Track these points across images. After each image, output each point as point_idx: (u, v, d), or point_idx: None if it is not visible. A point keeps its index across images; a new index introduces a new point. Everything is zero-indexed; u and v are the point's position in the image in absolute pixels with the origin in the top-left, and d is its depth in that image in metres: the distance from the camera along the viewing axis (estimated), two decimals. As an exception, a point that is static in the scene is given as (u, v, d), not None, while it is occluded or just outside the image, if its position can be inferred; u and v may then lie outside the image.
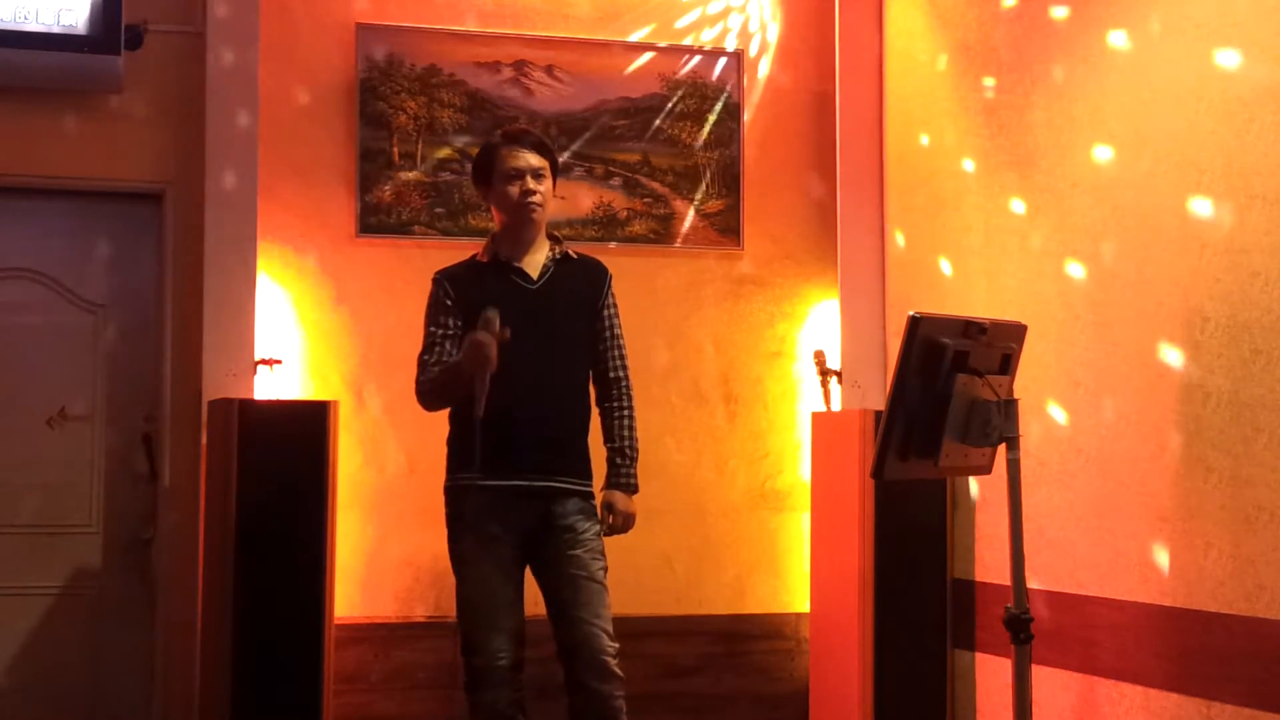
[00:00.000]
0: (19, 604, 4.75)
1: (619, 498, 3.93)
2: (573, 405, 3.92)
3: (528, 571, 3.90)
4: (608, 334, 4.00)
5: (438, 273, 3.98)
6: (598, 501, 3.94)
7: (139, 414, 4.85)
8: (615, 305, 4.03)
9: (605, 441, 4.00)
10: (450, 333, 3.88)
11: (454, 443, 3.91)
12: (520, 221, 3.91)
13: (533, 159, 3.90)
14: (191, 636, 4.70)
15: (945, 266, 4.97)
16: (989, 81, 4.74)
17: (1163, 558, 3.92)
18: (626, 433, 3.98)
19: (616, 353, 4.01)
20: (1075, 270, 4.30)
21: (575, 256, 4.02)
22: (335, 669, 4.51)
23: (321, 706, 4.36)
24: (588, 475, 3.93)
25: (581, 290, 3.97)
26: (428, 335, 3.93)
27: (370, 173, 5.03)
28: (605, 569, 3.88)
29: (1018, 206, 4.58)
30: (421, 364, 3.90)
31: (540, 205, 3.90)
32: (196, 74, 4.80)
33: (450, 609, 4.97)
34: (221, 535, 4.35)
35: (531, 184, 3.88)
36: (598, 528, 3.90)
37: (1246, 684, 3.62)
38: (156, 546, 4.80)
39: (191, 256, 4.79)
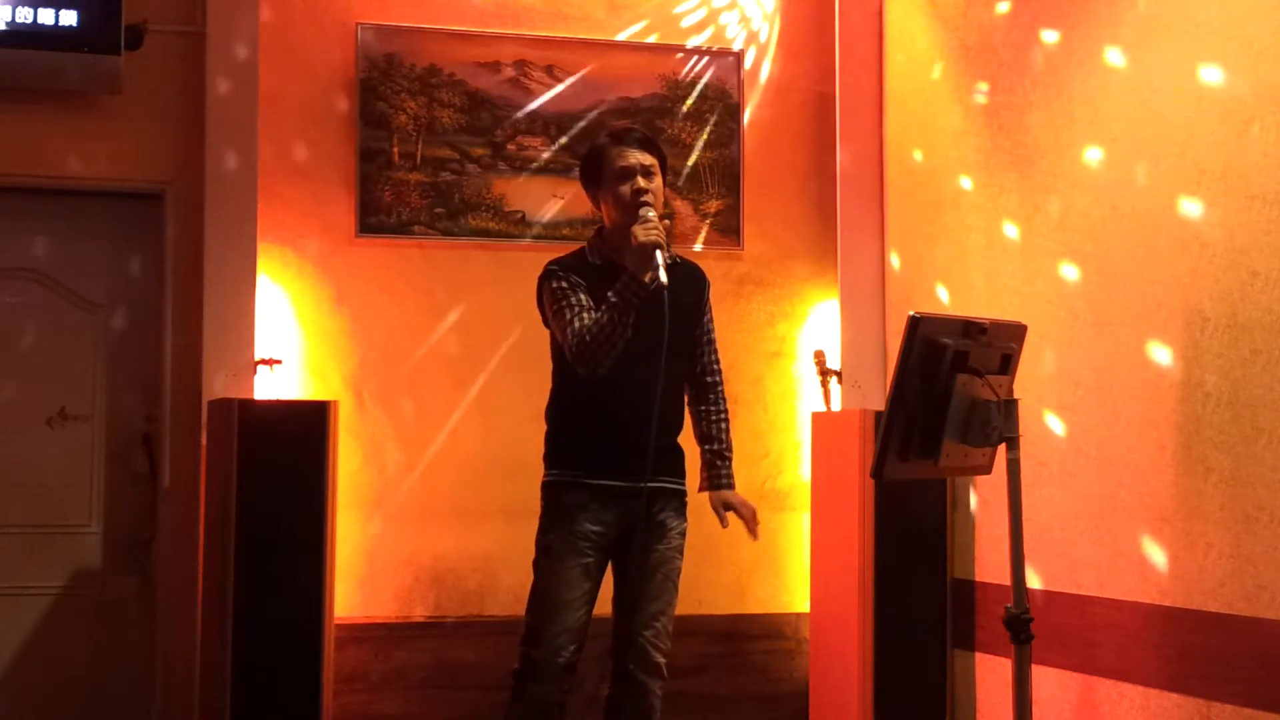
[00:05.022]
0: (19, 604, 4.75)
1: (733, 495, 3.96)
2: (678, 406, 3.93)
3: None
4: (706, 338, 4.01)
5: (553, 263, 3.87)
6: (700, 498, 3.97)
7: (139, 414, 4.85)
8: (712, 310, 4.05)
9: (702, 442, 3.99)
10: (589, 306, 3.76)
11: (557, 440, 3.89)
12: (633, 220, 3.79)
13: (643, 157, 3.84)
14: (191, 636, 4.70)
15: (945, 267, 4.97)
16: (989, 82, 4.74)
17: (1163, 558, 3.92)
18: (725, 435, 4.01)
19: (714, 356, 4.03)
20: (1075, 270, 4.30)
21: (679, 260, 3.96)
22: (335, 669, 4.51)
23: (321, 706, 4.36)
24: (684, 474, 3.94)
25: (687, 295, 3.93)
26: (568, 309, 3.75)
27: (370, 173, 5.03)
28: (680, 570, 3.90)
29: (1018, 206, 4.58)
30: (575, 329, 3.71)
31: (652, 203, 3.81)
32: (196, 74, 4.81)
33: (450, 609, 5.02)
34: (221, 535, 4.35)
35: (643, 182, 3.81)
36: (685, 526, 3.92)
37: (1246, 684, 3.62)
38: (156, 546, 4.81)
39: (191, 256, 4.79)
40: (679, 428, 3.94)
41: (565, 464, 3.84)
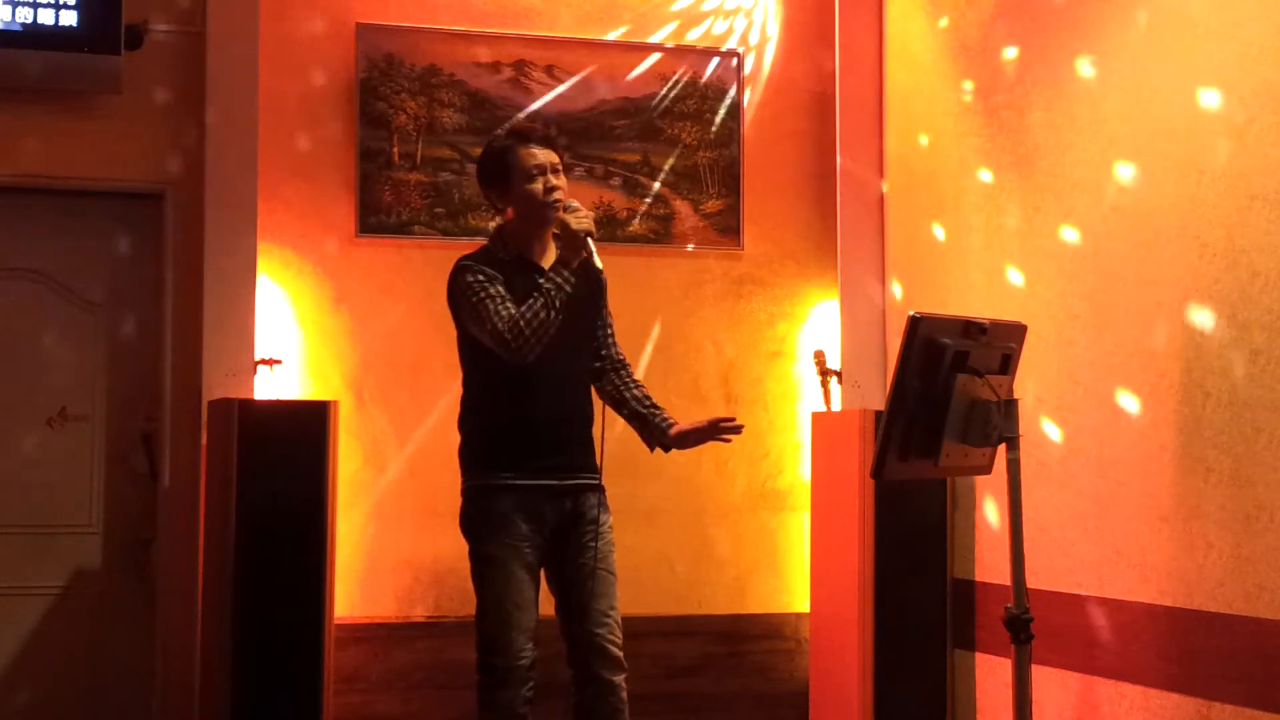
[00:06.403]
0: (19, 604, 4.75)
1: (684, 425, 3.94)
2: (591, 401, 3.94)
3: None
4: (606, 327, 4.02)
5: (464, 259, 3.86)
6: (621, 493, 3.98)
7: (139, 414, 4.85)
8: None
9: (637, 404, 3.98)
10: (510, 297, 3.75)
11: (481, 444, 3.87)
12: (546, 218, 3.84)
13: (549, 155, 3.88)
14: (191, 636, 4.70)
15: (945, 266, 4.97)
16: (988, 81, 4.74)
17: (1162, 558, 3.92)
18: (649, 397, 4.02)
19: (615, 339, 4.06)
20: (1075, 270, 4.30)
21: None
22: (335, 669, 4.51)
23: (321, 706, 4.36)
24: (599, 468, 3.93)
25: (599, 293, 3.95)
26: (490, 300, 3.72)
27: (370, 173, 5.03)
28: (614, 559, 3.92)
29: (1018, 206, 4.58)
30: (505, 316, 3.69)
31: (564, 199, 3.86)
32: (196, 74, 4.81)
33: (450, 609, 5.01)
34: (221, 535, 4.35)
35: (553, 179, 3.85)
36: (611, 519, 3.92)
37: (1246, 684, 3.62)
38: (156, 546, 4.81)
39: (191, 256, 4.79)
40: (593, 422, 3.91)
41: (491, 467, 3.80)
